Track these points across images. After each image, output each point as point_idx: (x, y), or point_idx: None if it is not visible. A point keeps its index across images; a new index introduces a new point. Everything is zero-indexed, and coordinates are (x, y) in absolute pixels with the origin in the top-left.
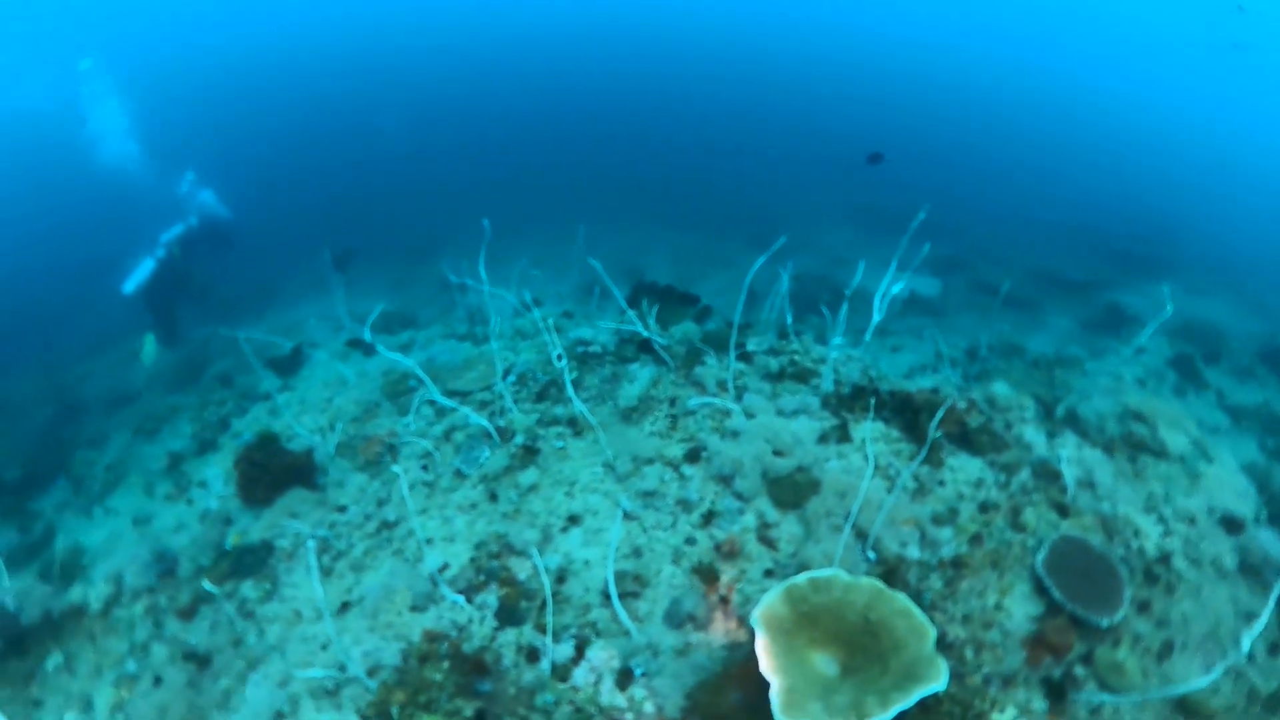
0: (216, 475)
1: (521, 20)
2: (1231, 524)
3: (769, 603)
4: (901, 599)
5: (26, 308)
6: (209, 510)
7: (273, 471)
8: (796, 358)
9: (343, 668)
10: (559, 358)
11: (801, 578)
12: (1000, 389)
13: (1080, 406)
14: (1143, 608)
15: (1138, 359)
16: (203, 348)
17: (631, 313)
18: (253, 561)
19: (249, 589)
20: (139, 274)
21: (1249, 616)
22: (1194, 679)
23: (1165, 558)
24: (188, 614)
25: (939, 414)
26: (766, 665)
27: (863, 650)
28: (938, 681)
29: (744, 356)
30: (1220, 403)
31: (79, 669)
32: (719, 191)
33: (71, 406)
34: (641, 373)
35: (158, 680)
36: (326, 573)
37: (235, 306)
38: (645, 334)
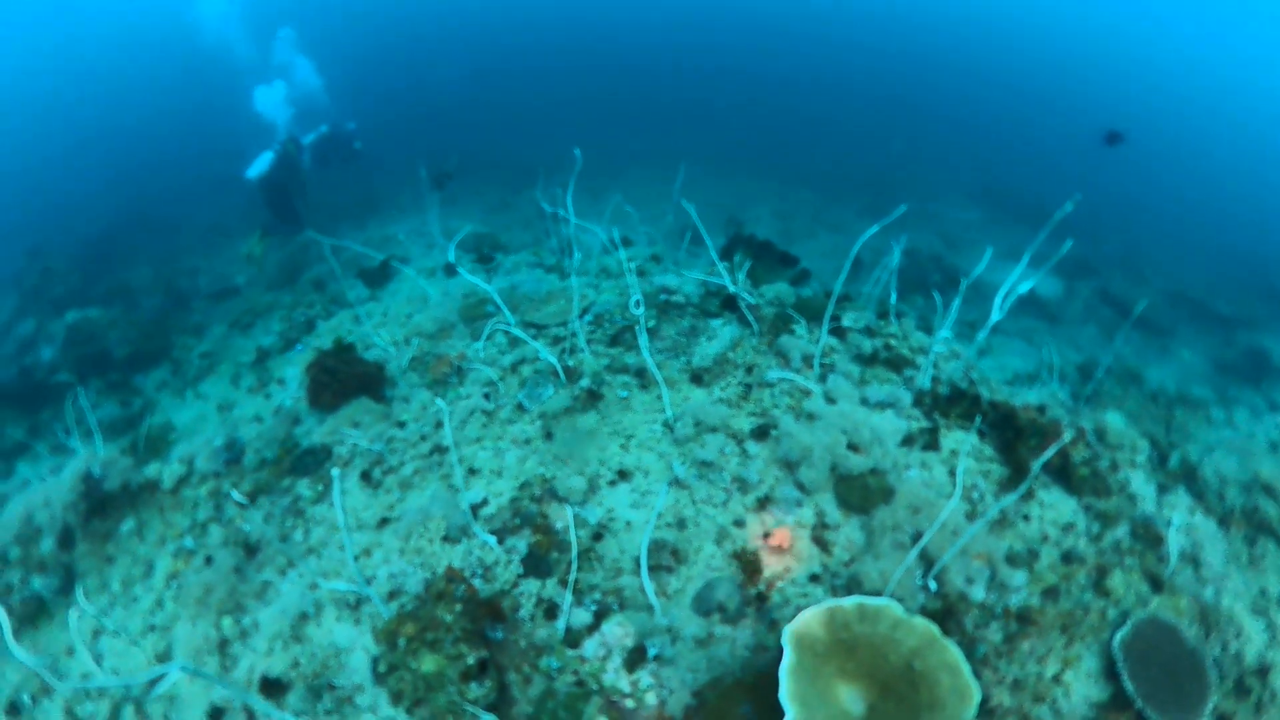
0: (294, 375)
1: None
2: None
3: (806, 620)
4: (953, 652)
5: (148, 200)
6: (282, 406)
7: (342, 379)
8: (893, 342)
9: (368, 582)
10: (636, 304)
11: (849, 601)
12: (1114, 420)
13: (1199, 461)
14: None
15: (1278, 419)
16: (303, 251)
17: (722, 265)
18: (311, 462)
19: (303, 487)
20: (260, 163)
21: None
22: None
23: (1264, 670)
24: (245, 503)
25: (1049, 452)
26: (787, 691)
27: (896, 697)
28: None
29: (837, 331)
30: None
31: (148, 537)
32: (838, 151)
33: (181, 295)
34: (723, 331)
35: (209, 560)
36: (376, 486)
37: (339, 213)
38: (733, 289)
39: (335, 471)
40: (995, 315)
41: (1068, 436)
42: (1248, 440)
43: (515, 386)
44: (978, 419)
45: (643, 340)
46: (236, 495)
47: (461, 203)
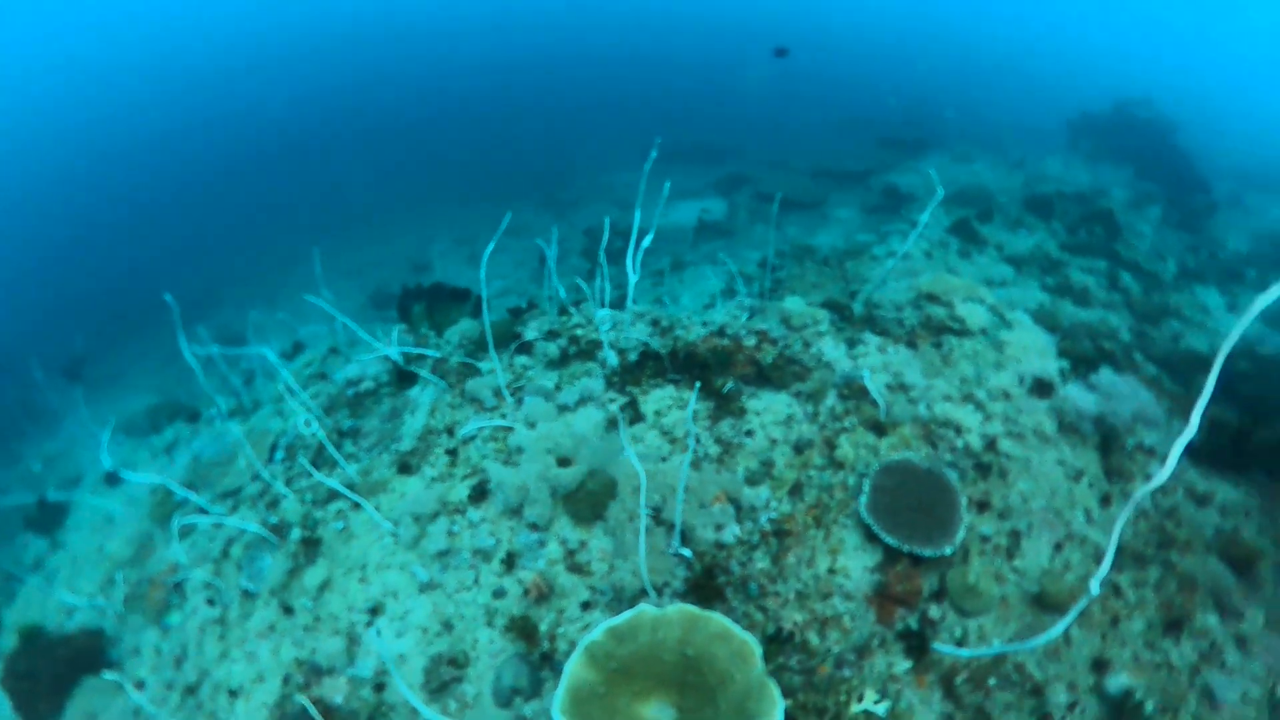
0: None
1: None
2: (1043, 388)
3: (573, 673)
4: (716, 620)
5: None
6: None
7: (50, 675)
8: (579, 332)
9: None
10: (306, 424)
11: (598, 632)
12: (792, 304)
13: (877, 295)
14: (982, 507)
15: (922, 233)
16: None
17: (377, 344)
18: None
19: None
20: None
21: (1078, 474)
22: (1044, 560)
23: (991, 443)
24: None
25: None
26: None
27: (693, 689)
28: (771, 716)
29: (524, 348)
30: (1001, 256)
31: None
32: (507, 152)
33: None
34: (423, 397)
35: None
36: None
37: None
38: (393, 357)
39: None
40: (633, 277)
41: (749, 342)
42: (905, 260)
43: (234, 573)
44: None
45: (339, 460)
46: None
47: (126, 379)
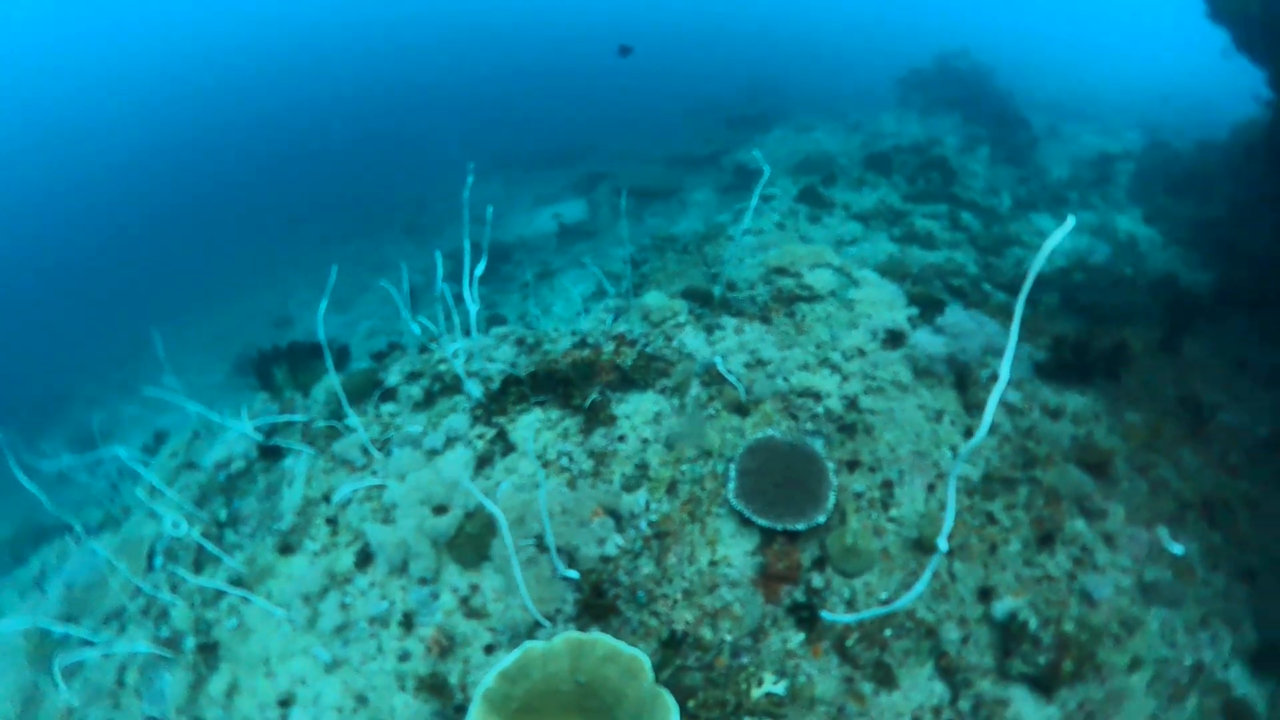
0: None
1: None
2: (895, 338)
3: None
4: (602, 642)
5: None
6: None
7: None
8: (443, 368)
9: None
10: (175, 525)
11: (490, 678)
12: (652, 300)
13: (733, 275)
14: (852, 466)
15: (771, 205)
16: None
17: (231, 422)
18: None
19: None
20: None
21: (939, 414)
22: (919, 505)
23: (853, 402)
24: None
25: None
26: None
27: (593, 713)
28: None
29: (388, 394)
30: (849, 215)
31: None
32: (362, 187)
33: None
34: (298, 467)
35: None
36: None
37: None
38: (240, 429)
39: None
40: (473, 306)
41: (607, 349)
42: (758, 236)
43: (135, 701)
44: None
45: (224, 558)
46: None
47: None
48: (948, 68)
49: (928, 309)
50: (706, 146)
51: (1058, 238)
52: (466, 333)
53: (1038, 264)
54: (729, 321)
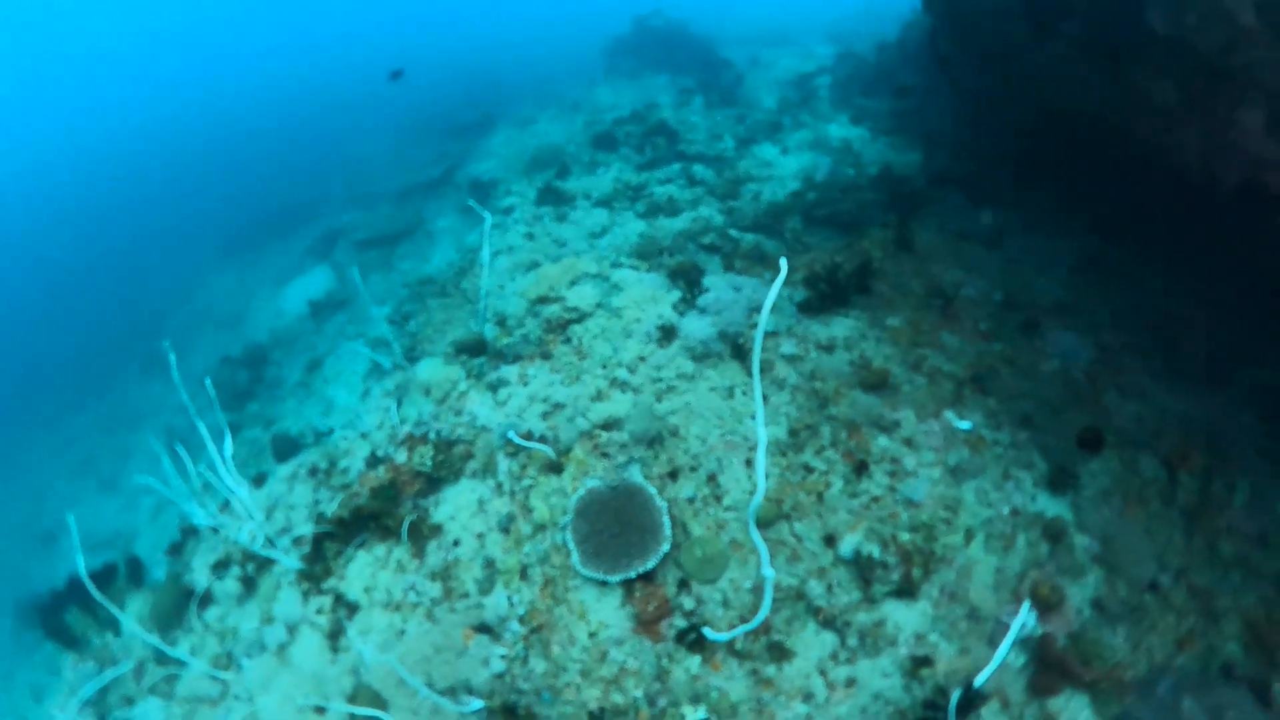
0: None
1: None
2: (667, 333)
3: None
4: None
5: None
6: None
7: None
8: (243, 539)
9: None
10: None
11: None
12: (428, 373)
13: (500, 307)
14: (674, 475)
15: (515, 217)
16: None
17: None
18: None
19: None
20: None
21: (730, 390)
22: (745, 484)
23: (651, 414)
24: None
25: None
26: None
27: None
28: None
29: (205, 600)
30: (592, 203)
31: None
32: (85, 323)
33: None
34: None
35: None
36: None
37: None
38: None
39: None
40: (234, 487)
41: (399, 461)
42: (511, 255)
43: None
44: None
45: None
46: None
47: None
48: (645, 29)
49: (690, 285)
50: (437, 166)
51: (777, 285)
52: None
53: (765, 312)
54: (511, 371)
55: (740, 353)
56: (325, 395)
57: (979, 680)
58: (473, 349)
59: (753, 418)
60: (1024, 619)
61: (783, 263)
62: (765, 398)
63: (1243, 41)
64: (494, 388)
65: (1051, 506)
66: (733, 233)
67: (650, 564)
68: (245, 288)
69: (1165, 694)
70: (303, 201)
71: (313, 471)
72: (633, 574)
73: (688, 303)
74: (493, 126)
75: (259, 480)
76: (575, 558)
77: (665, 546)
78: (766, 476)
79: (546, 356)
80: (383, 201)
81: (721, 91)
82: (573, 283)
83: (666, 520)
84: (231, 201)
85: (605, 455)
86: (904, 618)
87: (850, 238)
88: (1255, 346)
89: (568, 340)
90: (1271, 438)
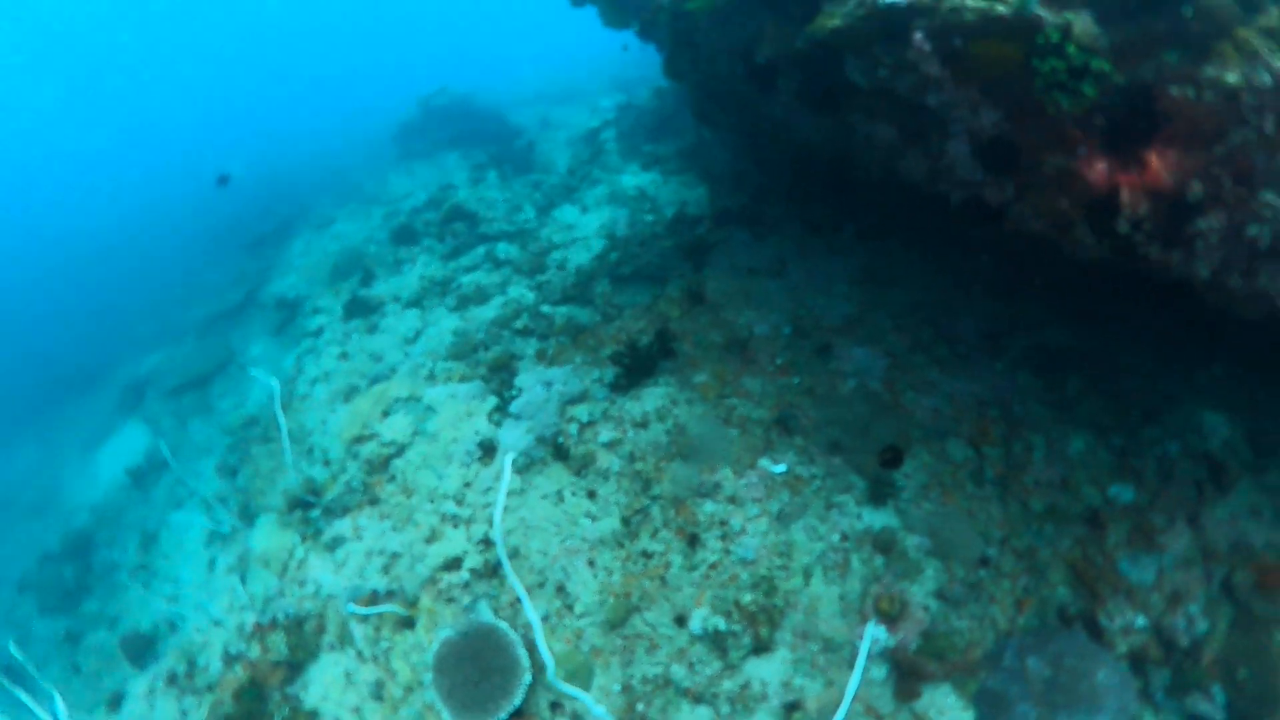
0: None
1: None
2: (487, 449)
3: None
4: None
5: None
6: None
7: None
8: None
9: None
10: None
11: None
12: (264, 544)
13: (321, 444)
14: (530, 593)
15: (325, 338)
16: None
17: None
18: None
19: None
20: None
21: (559, 494)
22: (592, 586)
23: (489, 543)
24: None
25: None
26: None
27: None
28: None
29: None
30: (402, 305)
31: None
32: None
33: None
34: None
35: None
36: None
37: None
38: None
39: None
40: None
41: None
42: (329, 382)
43: None
44: None
45: None
46: None
47: None
48: (432, 108)
49: (502, 387)
50: (237, 289)
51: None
52: None
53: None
54: (344, 526)
55: (562, 452)
56: (169, 574)
57: (839, 715)
58: (302, 504)
59: (589, 515)
60: (869, 640)
61: (506, 461)
62: (592, 493)
63: (932, 86)
64: (330, 548)
65: (877, 519)
66: (545, 309)
67: (517, 701)
68: (51, 462)
69: (1011, 661)
70: (98, 349)
71: (171, 679)
72: (503, 716)
73: (502, 411)
74: (291, 232)
75: (114, 703)
76: (446, 717)
77: (527, 678)
78: (610, 572)
79: (374, 502)
80: (187, 336)
81: (514, 161)
82: (385, 414)
83: (523, 653)
84: (12, 363)
85: (451, 600)
86: (766, 672)
87: (656, 290)
88: (1017, 316)
89: (392, 479)
90: (1050, 389)
